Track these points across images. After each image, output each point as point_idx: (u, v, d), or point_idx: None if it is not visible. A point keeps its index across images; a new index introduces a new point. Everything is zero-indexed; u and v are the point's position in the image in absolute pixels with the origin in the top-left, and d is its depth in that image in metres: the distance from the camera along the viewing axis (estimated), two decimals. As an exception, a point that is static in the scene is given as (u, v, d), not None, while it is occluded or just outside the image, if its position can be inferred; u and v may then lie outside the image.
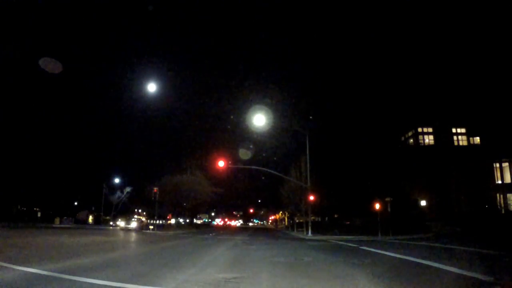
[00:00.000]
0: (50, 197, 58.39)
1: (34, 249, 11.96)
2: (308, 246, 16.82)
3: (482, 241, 17.66)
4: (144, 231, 35.94)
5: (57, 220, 49.98)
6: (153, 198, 34.23)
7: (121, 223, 44.02)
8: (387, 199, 26.13)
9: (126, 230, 36.88)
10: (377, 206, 26.64)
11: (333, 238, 23.99)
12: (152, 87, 26.00)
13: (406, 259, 10.57)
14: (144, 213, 68.33)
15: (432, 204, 35.49)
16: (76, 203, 65.86)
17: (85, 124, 71.43)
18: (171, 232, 32.60)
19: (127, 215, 54.64)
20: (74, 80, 61.92)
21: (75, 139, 57.86)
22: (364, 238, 24.13)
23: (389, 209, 25.92)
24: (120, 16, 64.55)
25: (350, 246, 16.40)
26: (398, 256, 11.36)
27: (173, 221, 66.20)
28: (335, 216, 51.29)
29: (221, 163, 26.44)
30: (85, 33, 60.18)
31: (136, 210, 68.31)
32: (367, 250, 14.07)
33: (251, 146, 41.96)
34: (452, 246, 15.01)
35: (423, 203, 35.52)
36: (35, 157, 51.06)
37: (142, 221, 50.97)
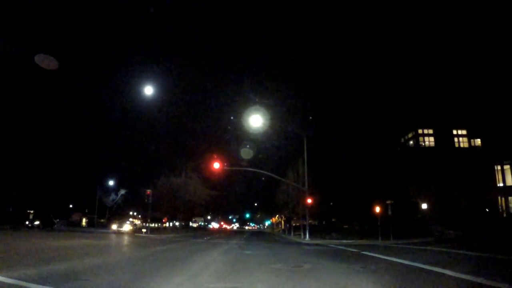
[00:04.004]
0: (44, 199, 57.13)
1: (11, 254, 11.08)
2: (307, 251, 16.08)
3: (485, 245, 17.13)
4: (136, 234, 35.00)
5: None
6: (146, 200, 33.36)
7: (114, 226, 42.96)
8: (388, 201, 25.31)
9: (118, 233, 35.93)
10: (378, 209, 25.89)
11: (331, 243, 23.20)
12: (149, 90, 25.28)
13: (412, 265, 9.87)
14: (139, 216, 67.20)
15: (433, 206, 34.81)
16: (70, 206, 64.66)
17: (79, 125, 70.16)
18: (164, 236, 31.66)
19: (121, 218, 53.50)
20: (69, 79, 60.70)
21: (69, 140, 56.74)
22: (364, 242, 23.40)
23: (390, 212, 25.10)
24: (119, 15, 63.78)
25: (351, 251, 15.61)
26: (403, 262, 10.61)
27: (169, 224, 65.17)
28: (333, 219, 50.45)
29: (216, 165, 25.62)
30: (82, 31, 59.27)
31: (131, 213, 67.21)
32: (370, 255, 13.30)
33: (247, 146, 40.99)
34: (456, 251, 14.42)
35: (424, 206, 34.80)
36: (28, 158, 49.95)
37: (135, 224, 49.93)
